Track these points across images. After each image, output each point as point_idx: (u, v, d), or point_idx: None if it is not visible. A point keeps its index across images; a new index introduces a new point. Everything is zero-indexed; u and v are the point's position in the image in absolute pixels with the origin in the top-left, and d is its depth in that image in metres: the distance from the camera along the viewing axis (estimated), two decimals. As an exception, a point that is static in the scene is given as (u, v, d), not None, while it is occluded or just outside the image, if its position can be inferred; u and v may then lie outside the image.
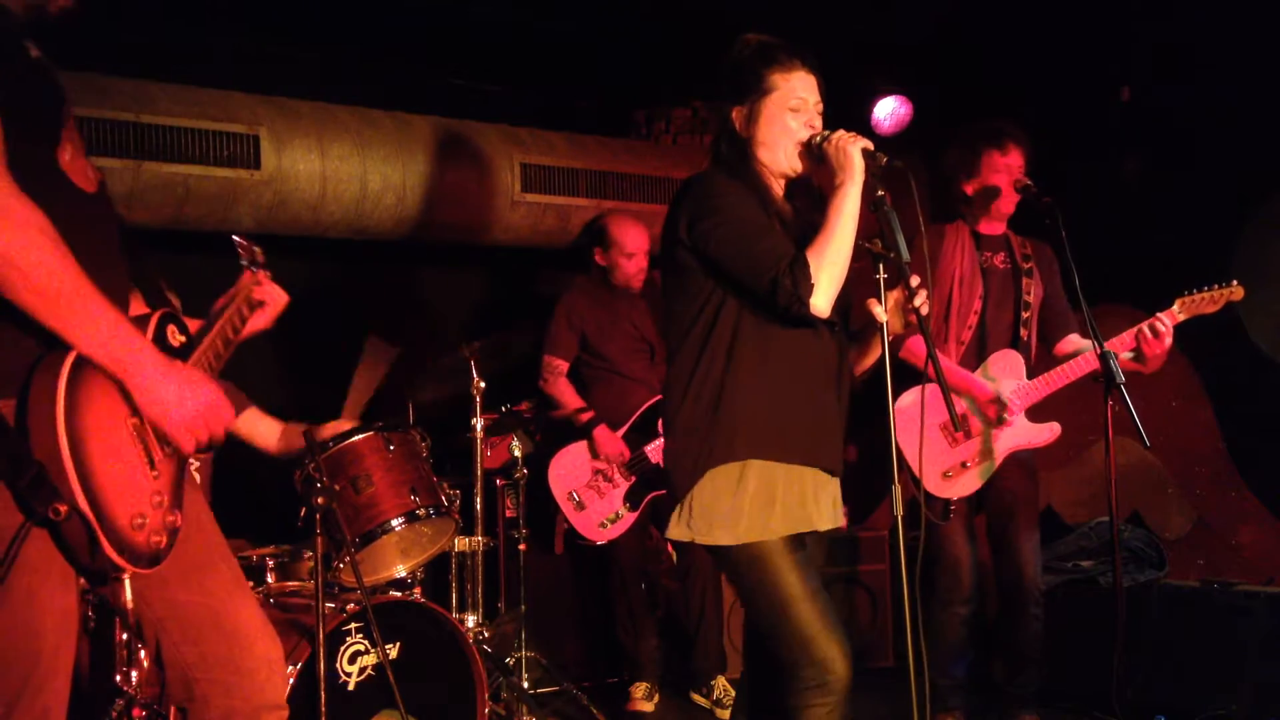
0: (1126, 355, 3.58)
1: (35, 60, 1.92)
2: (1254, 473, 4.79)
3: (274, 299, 2.39)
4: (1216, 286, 3.59)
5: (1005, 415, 3.67)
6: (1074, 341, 3.90)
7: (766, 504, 2.50)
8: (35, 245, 1.73)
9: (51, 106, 1.93)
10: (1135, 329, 3.58)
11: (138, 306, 2.15)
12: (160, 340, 2.05)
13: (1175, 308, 3.59)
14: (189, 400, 1.92)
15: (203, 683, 2.10)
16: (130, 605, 3.25)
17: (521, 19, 4.92)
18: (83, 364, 1.82)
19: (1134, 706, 3.77)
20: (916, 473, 3.43)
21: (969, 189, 3.81)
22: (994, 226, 3.87)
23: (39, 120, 1.89)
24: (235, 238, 2.42)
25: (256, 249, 2.42)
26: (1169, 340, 3.53)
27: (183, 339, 2.12)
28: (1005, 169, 3.75)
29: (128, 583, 2.85)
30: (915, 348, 3.69)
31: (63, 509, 1.74)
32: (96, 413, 1.83)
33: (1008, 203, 3.78)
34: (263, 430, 3.53)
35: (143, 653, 3.20)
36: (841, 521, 2.67)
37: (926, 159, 4.75)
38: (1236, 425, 4.84)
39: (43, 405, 1.76)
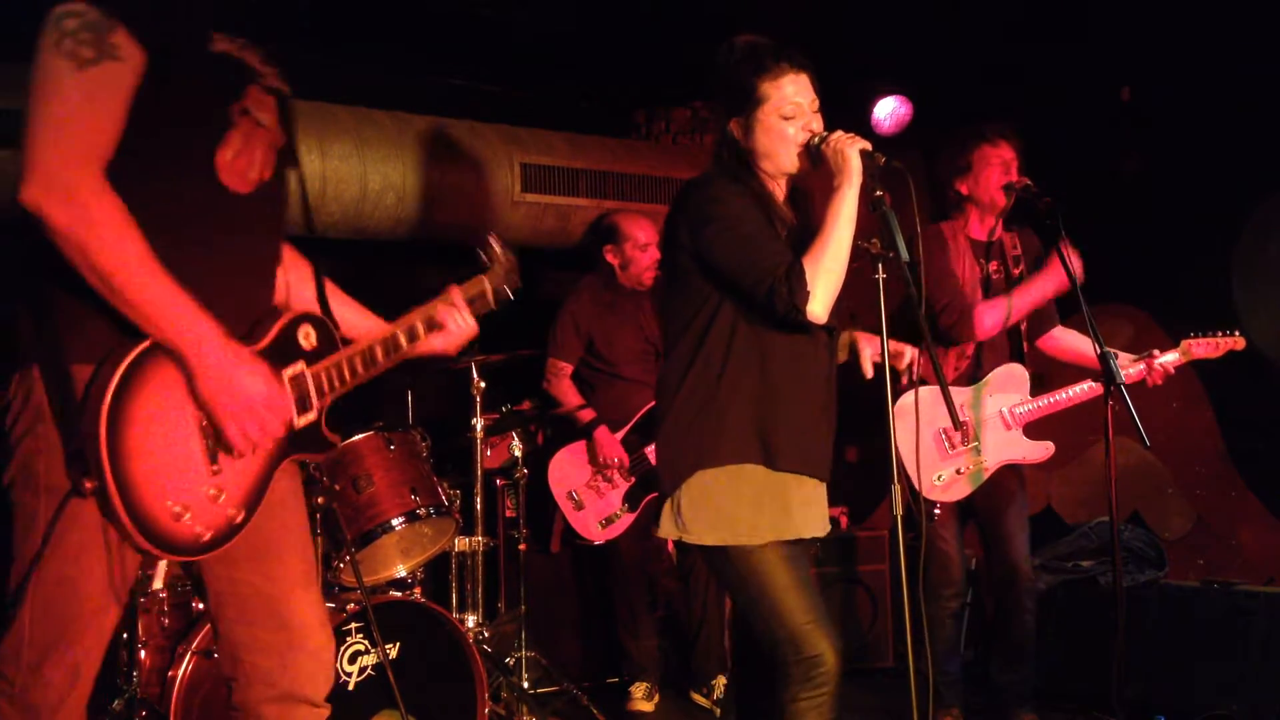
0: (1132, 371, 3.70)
1: (215, 54, 1.95)
2: (1254, 473, 4.79)
3: (454, 329, 2.30)
4: (1221, 333, 3.75)
5: (963, 444, 3.68)
6: (1058, 337, 3.92)
7: (755, 508, 2.52)
8: (99, 231, 1.78)
9: (219, 104, 1.95)
10: (1145, 359, 3.71)
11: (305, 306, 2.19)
12: (286, 338, 2.06)
13: (1181, 348, 3.74)
14: (246, 389, 1.91)
15: (247, 664, 2.11)
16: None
17: (521, 19, 4.92)
18: (156, 352, 1.87)
19: (1134, 706, 3.77)
20: (911, 475, 3.44)
21: (963, 188, 3.81)
22: (985, 229, 3.85)
23: (200, 117, 1.93)
24: (490, 237, 2.40)
25: (508, 257, 2.37)
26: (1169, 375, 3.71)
27: (315, 343, 2.11)
28: (998, 162, 3.74)
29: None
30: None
31: (89, 485, 1.79)
32: (154, 402, 1.86)
33: (1001, 196, 3.76)
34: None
35: (143, 652, 3.24)
36: (826, 529, 2.67)
37: (926, 159, 4.75)
38: (1236, 426, 4.84)
39: (99, 383, 1.82)
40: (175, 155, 1.91)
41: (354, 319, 2.32)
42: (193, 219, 1.93)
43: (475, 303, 2.37)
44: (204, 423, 1.93)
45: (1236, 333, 3.75)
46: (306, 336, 2.11)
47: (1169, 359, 3.70)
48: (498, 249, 2.44)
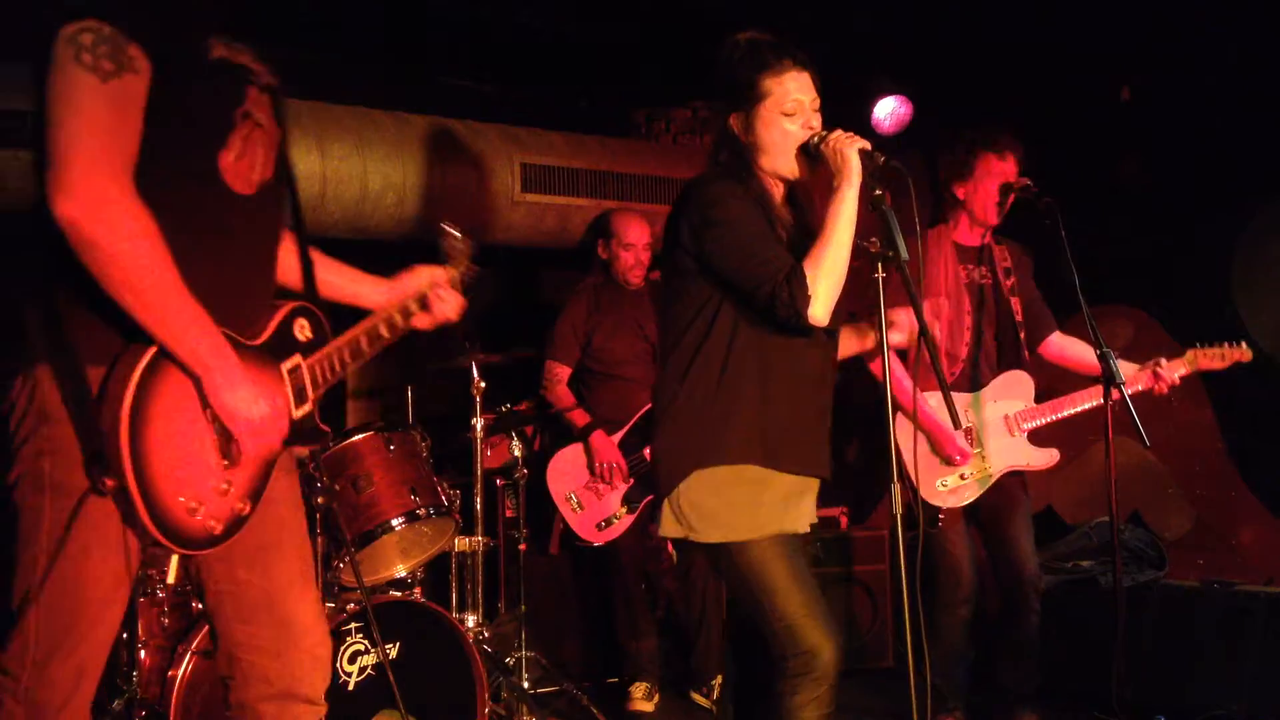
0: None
1: (213, 61, 1.97)
2: (1254, 473, 4.79)
3: (445, 309, 2.43)
4: (1228, 345, 3.74)
5: (958, 459, 3.68)
6: (1058, 344, 3.91)
7: (755, 505, 2.53)
8: (135, 247, 1.81)
9: (221, 109, 1.98)
10: (1149, 368, 3.70)
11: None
12: (284, 332, 2.11)
13: (1187, 357, 3.73)
14: (251, 414, 1.96)
15: (244, 662, 2.13)
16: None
17: (521, 19, 4.92)
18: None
19: (1134, 706, 3.77)
20: (913, 478, 3.44)
21: (960, 192, 3.79)
22: (976, 235, 3.84)
23: (203, 123, 1.96)
24: (444, 225, 2.48)
25: (465, 240, 2.48)
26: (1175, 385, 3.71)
27: (310, 335, 2.17)
28: (1001, 174, 3.73)
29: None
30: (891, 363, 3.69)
31: (110, 483, 1.82)
32: (170, 399, 1.90)
33: (996, 210, 3.76)
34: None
35: (143, 652, 3.24)
36: (809, 525, 2.69)
37: (926, 159, 4.75)
38: (1236, 425, 4.84)
39: (117, 383, 1.85)
40: (182, 162, 1.94)
41: (340, 282, 2.38)
42: (200, 223, 1.96)
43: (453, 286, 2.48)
44: (214, 418, 1.95)
45: (1244, 344, 3.73)
46: (302, 329, 2.15)
47: (1176, 370, 3.68)
48: (458, 237, 2.53)
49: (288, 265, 2.27)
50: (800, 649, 2.47)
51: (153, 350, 1.88)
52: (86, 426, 1.85)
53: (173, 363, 1.90)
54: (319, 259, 2.35)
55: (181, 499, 1.90)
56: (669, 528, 2.59)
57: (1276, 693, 3.85)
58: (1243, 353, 3.75)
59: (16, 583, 1.92)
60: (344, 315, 2.34)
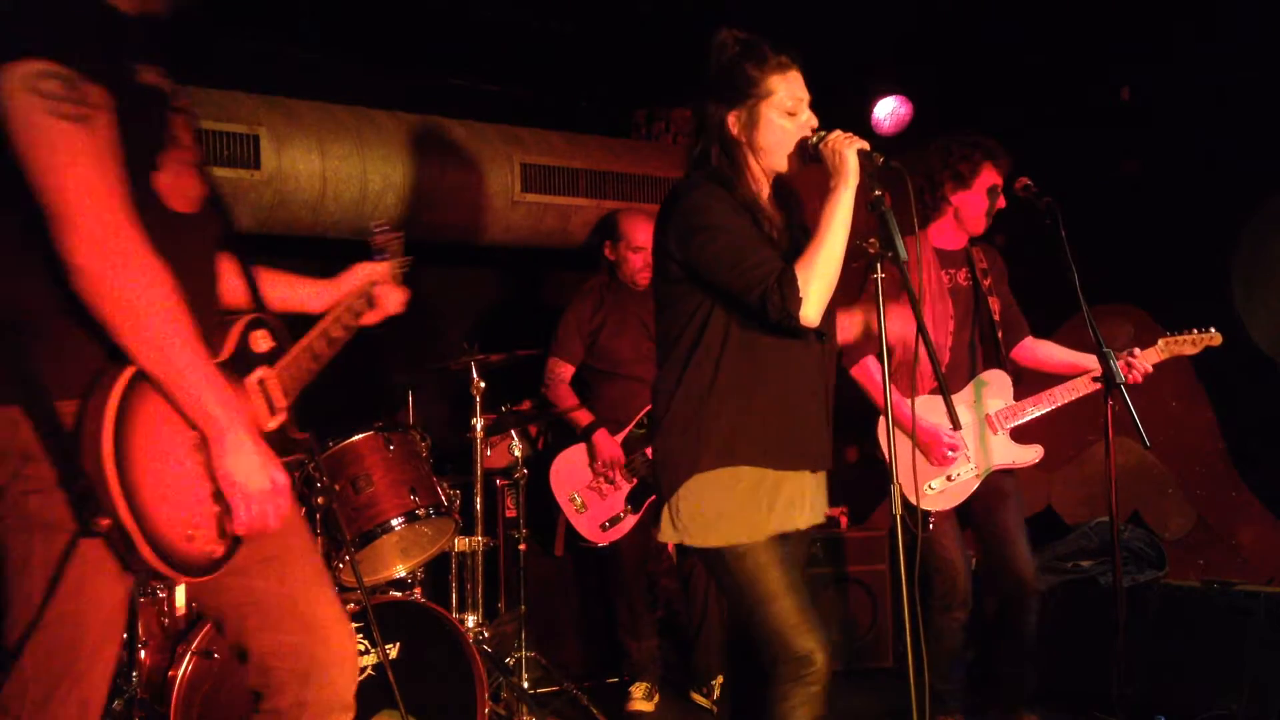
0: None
1: (141, 84, 1.95)
2: (1254, 473, 4.79)
3: (390, 302, 2.46)
4: (1197, 331, 3.78)
5: (950, 454, 3.68)
6: (1030, 347, 3.92)
7: (753, 507, 2.54)
8: (160, 299, 1.81)
9: (152, 131, 1.97)
10: (1123, 359, 3.67)
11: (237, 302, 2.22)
12: (243, 348, 2.10)
13: (1159, 345, 3.75)
14: (263, 483, 1.94)
15: (279, 670, 2.11)
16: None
17: (521, 19, 4.92)
18: (140, 379, 1.86)
19: (1134, 706, 3.77)
20: (905, 485, 3.43)
21: (955, 198, 3.79)
22: (958, 240, 3.85)
23: (138, 148, 1.93)
24: (374, 225, 2.49)
25: (395, 236, 2.50)
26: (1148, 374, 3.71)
27: (271, 344, 2.16)
28: (992, 185, 3.76)
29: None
30: (871, 368, 3.69)
31: (105, 523, 1.78)
32: (152, 425, 1.86)
33: (984, 224, 3.79)
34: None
35: (143, 652, 3.24)
36: (823, 515, 2.70)
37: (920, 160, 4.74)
38: (1237, 425, 4.84)
39: (94, 418, 1.80)
40: (133, 190, 1.89)
41: (281, 292, 2.38)
42: (156, 248, 1.90)
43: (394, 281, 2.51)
44: (199, 441, 1.92)
45: (1212, 329, 3.78)
46: (259, 341, 2.14)
47: (1149, 360, 3.71)
48: (389, 234, 2.55)
49: (229, 284, 2.24)
50: (793, 654, 2.48)
51: (124, 377, 1.83)
52: (68, 466, 1.80)
53: (147, 389, 1.86)
54: (256, 271, 2.33)
55: (178, 527, 1.88)
56: (665, 532, 2.60)
57: (1277, 693, 3.85)
58: (1212, 337, 3.77)
59: (11, 621, 1.88)
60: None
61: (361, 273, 2.47)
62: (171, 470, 1.89)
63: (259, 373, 2.12)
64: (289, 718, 2.12)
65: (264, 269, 2.35)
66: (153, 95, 1.98)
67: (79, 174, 1.78)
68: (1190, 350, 3.78)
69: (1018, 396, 3.80)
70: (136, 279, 1.79)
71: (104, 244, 1.77)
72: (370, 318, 2.46)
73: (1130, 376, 3.66)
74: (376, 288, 2.44)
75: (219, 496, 1.95)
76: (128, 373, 1.84)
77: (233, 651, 2.18)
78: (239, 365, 2.09)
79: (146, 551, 1.82)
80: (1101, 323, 3.52)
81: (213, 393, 1.88)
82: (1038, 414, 3.77)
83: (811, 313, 2.44)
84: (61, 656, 1.88)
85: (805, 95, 2.58)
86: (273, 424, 2.13)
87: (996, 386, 3.81)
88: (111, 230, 1.78)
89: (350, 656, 2.20)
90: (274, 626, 2.11)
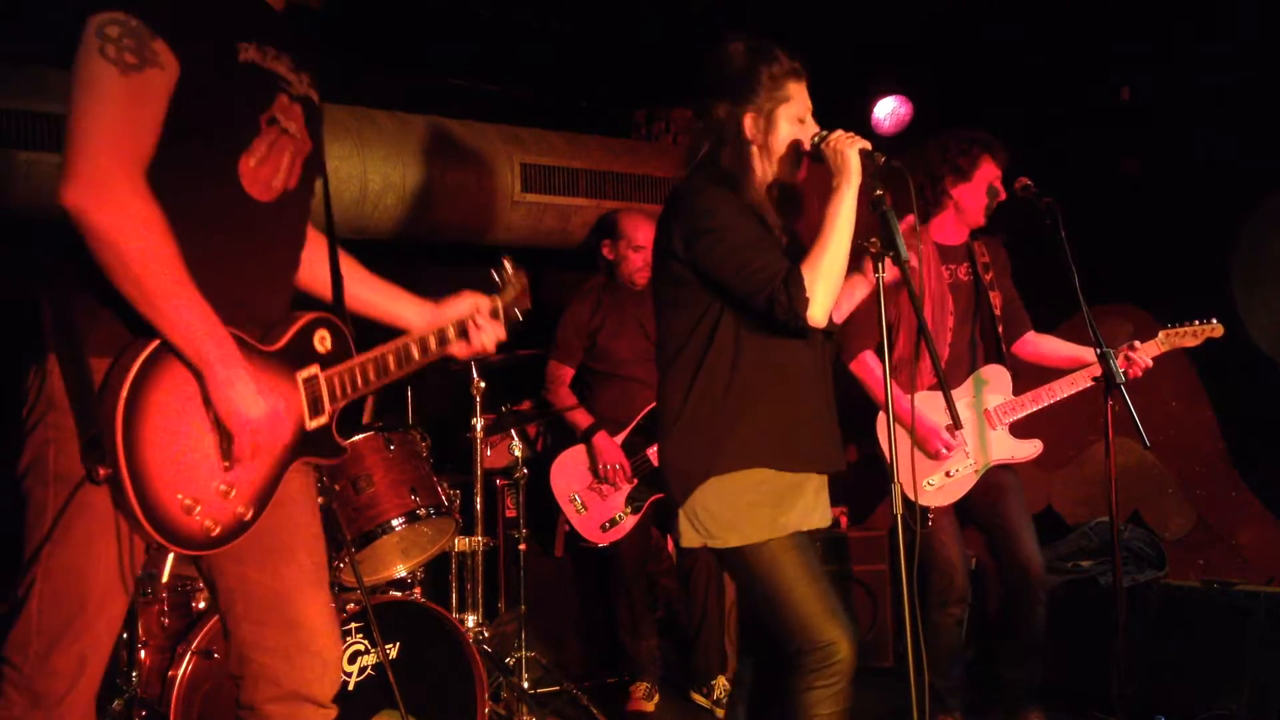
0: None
1: (242, 64, 1.97)
2: (1254, 473, 4.79)
3: (484, 340, 2.38)
4: (1198, 322, 3.75)
5: (945, 452, 3.68)
6: (1033, 342, 3.92)
7: (769, 508, 2.54)
8: (139, 238, 1.82)
9: (246, 112, 1.98)
10: (1122, 353, 3.69)
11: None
12: (302, 341, 2.10)
13: (1159, 338, 3.73)
14: (250, 412, 1.94)
15: (254, 662, 2.12)
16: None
17: (521, 19, 4.92)
18: (168, 347, 1.89)
19: (1134, 706, 3.77)
20: (905, 482, 3.43)
21: (955, 191, 3.80)
22: (959, 235, 3.85)
23: (226, 125, 1.96)
24: (505, 258, 2.46)
25: (519, 276, 2.46)
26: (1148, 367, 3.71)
27: (330, 347, 2.15)
28: (993, 180, 3.76)
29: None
30: (870, 363, 3.69)
31: (103, 471, 1.82)
32: (170, 396, 1.89)
33: (984, 217, 3.79)
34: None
35: (143, 652, 3.24)
36: (829, 518, 2.70)
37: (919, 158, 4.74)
38: (1237, 425, 4.84)
39: (117, 375, 1.85)
40: (199, 163, 1.94)
41: (378, 299, 2.36)
42: (213, 225, 1.96)
43: (495, 317, 2.44)
44: (215, 421, 1.94)
45: (1214, 321, 3.75)
46: (322, 340, 2.14)
47: (1149, 353, 3.70)
48: (510, 271, 2.51)
49: (320, 276, 2.26)
50: (818, 644, 2.47)
51: (155, 343, 1.88)
52: (86, 414, 1.85)
53: (176, 357, 1.90)
54: (362, 275, 2.34)
55: (179, 496, 1.89)
56: (689, 537, 2.58)
57: (1277, 693, 3.85)
58: (1213, 328, 3.75)
59: (21, 571, 1.93)
60: (379, 331, 2.32)
61: (466, 303, 2.40)
62: (184, 441, 1.91)
63: (312, 369, 2.11)
64: (259, 715, 2.12)
65: (370, 275, 2.35)
66: (254, 75, 1.99)
67: (94, 117, 1.81)
68: (1191, 342, 3.76)
69: (1016, 391, 3.80)
70: (121, 219, 1.80)
71: (92, 188, 1.79)
72: (458, 349, 2.37)
73: (1130, 371, 3.66)
74: (473, 319, 2.37)
75: (229, 473, 1.96)
76: (156, 341, 1.88)
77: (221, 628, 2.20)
78: (293, 357, 2.09)
79: (136, 508, 1.84)
80: (1101, 323, 3.52)
81: (204, 332, 1.89)
82: (1036, 408, 3.77)
83: (818, 313, 2.45)
84: (66, 609, 1.91)
85: (810, 105, 2.61)
86: (314, 424, 2.11)
87: (995, 381, 3.80)
88: (103, 175, 1.80)
89: (332, 663, 2.19)
90: (258, 620, 2.11)
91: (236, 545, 2.01)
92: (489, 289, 2.47)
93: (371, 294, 2.35)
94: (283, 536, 2.12)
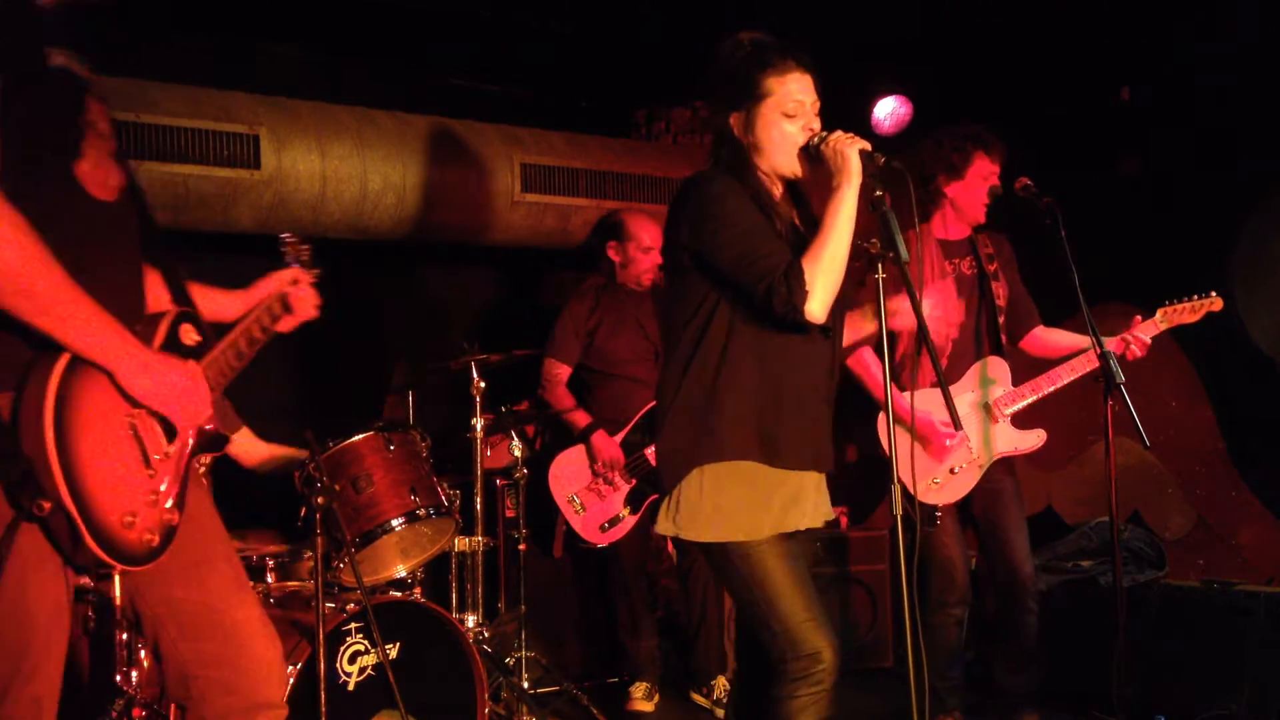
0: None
1: (55, 69, 1.94)
2: (1254, 473, 4.79)
3: (305, 307, 2.45)
4: (1196, 297, 3.74)
5: (949, 442, 3.67)
6: (1041, 337, 3.91)
7: (754, 504, 2.53)
8: (15, 247, 1.76)
9: (69, 116, 1.95)
10: (1120, 335, 3.69)
11: (160, 307, 2.20)
12: (173, 339, 2.09)
13: (1157, 317, 3.72)
14: (172, 381, 1.95)
15: (200, 680, 2.12)
16: (119, 601, 3.27)
17: (521, 19, 4.92)
18: (79, 362, 1.86)
19: (1134, 706, 3.77)
20: (906, 480, 3.42)
21: (949, 189, 3.80)
22: (961, 230, 3.85)
23: (54, 130, 1.92)
24: (284, 236, 2.50)
25: (305, 248, 2.49)
26: (1148, 346, 3.70)
27: (198, 338, 2.16)
28: (990, 175, 3.75)
29: (117, 579, 2.89)
30: (867, 359, 3.69)
31: (46, 506, 1.78)
32: (90, 411, 1.86)
33: (983, 213, 3.79)
34: (247, 449, 3.64)
35: (143, 652, 3.22)
36: (823, 518, 2.69)
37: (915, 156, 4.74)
38: (1237, 425, 4.84)
39: (33, 402, 1.80)
40: (43, 172, 1.90)
41: (202, 301, 2.36)
42: (71, 232, 1.91)
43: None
44: (134, 426, 1.93)
45: (1213, 294, 3.73)
46: (188, 334, 2.14)
47: (1148, 332, 3.69)
48: (295, 239, 2.54)
49: (160, 298, 2.24)
50: (802, 652, 2.47)
51: (61, 362, 1.83)
52: (7, 455, 1.79)
53: (81, 371, 1.86)
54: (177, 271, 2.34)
55: (117, 512, 1.87)
56: (661, 524, 2.60)
57: (1277, 693, 3.85)
58: (1212, 302, 3.73)
59: None
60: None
61: (273, 281, 2.46)
62: (109, 456, 1.89)
63: (190, 364, 2.12)
64: None
65: (194, 284, 2.36)
66: (66, 80, 1.97)
67: None
68: (1190, 318, 3.73)
69: (1017, 382, 3.79)
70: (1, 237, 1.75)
71: None
72: (287, 323, 2.44)
73: (1129, 353, 3.65)
74: (292, 293, 2.43)
75: (154, 480, 1.95)
76: (64, 359, 1.84)
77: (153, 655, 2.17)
78: (172, 354, 2.09)
79: (87, 536, 1.81)
80: (1101, 322, 3.51)
81: (101, 326, 1.87)
82: (1037, 397, 3.76)
83: (817, 307, 2.45)
84: (12, 655, 1.86)
85: (809, 99, 2.58)
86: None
87: (996, 373, 3.79)
88: None
89: (275, 660, 2.19)
90: (193, 636, 2.11)
91: (159, 565, 1.98)
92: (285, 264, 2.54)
93: (204, 301, 2.35)
94: (200, 549, 2.12)
